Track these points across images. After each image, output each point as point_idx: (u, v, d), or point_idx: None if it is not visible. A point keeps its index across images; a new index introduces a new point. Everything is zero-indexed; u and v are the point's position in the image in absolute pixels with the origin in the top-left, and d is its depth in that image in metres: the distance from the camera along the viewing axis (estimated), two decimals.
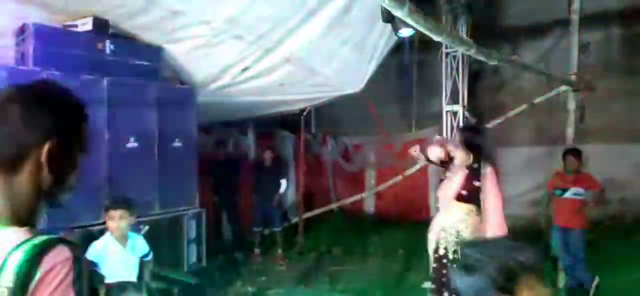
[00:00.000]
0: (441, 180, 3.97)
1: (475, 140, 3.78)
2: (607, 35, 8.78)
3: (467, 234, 3.66)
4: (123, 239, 3.41)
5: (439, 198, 3.94)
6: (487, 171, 3.71)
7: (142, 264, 3.50)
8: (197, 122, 5.78)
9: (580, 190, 5.57)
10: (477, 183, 3.68)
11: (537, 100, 6.17)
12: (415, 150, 4.15)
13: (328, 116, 10.37)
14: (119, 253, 3.35)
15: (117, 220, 3.34)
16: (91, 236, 3.64)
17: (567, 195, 5.61)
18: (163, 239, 5.45)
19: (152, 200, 5.33)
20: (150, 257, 3.62)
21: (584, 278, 5.60)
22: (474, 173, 3.71)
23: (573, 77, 5.66)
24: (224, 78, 5.68)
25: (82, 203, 4.26)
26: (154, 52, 5.33)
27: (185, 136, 5.65)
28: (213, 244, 7.17)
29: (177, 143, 5.58)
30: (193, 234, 5.86)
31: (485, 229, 3.69)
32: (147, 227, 5.26)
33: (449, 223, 3.74)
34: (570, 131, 5.81)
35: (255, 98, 6.22)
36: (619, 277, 5.93)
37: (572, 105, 5.83)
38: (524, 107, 6.27)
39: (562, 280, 5.88)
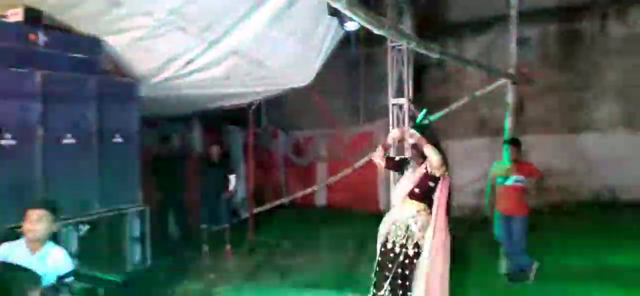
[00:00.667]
0: (398, 180, 4.15)
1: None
2: (545, 30, 9.18)
3: (416, 230, 3.81)
4: (36, 245, 3.01)
5: (394, 195, 4.09)
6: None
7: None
8: (139, 117, 5.59)
9: (521, 177, 5.80)
10: (431, 184, 3.84)
11: (478, 93, 6.37)
12: (376, 154, 4.19)
13: (278, 110, 10.33)
14: (23, 260, 2.93)
15: (34, 221, 2.97)
16: (18, 237, 3.40)
17: (509, 182, 5.83)
18: (104, 238, 5.28)
19: (91, 198, 5.14)
20: (70, 279, 3.01)
21: (525, 263, 5.83)
22: (430, 175, 3.84)
23: (511, 71, 5.87)
24: (168, 71, 5.53)
25: (13, 202, 4.04)
26: (93, 44, 5.11)
27: (127, 131, 5.46)
28: (159, 243, 6.99)
29: (118, 139, 5.39)
30: (136, 232, 5.69)
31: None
32: (87, 227, 5.08)
33: (401, 218, 3.87)
34: (509, 122, 6.03)
35: (201, 91, 6.08)
36: (557, 262, 6.25)
37: (511, 98, 6.05)
38: (465, 99, 6.46)
39: (503, 265, 6.10)
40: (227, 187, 7.46)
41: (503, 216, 5.88)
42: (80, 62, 4.98)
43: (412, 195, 3.88)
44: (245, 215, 8.71)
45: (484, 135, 9.06)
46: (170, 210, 7.80)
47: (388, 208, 6.79)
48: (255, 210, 8.68)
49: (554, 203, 8.59)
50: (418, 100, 7.52)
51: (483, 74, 6.87)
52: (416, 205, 3.86)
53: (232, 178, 7.50)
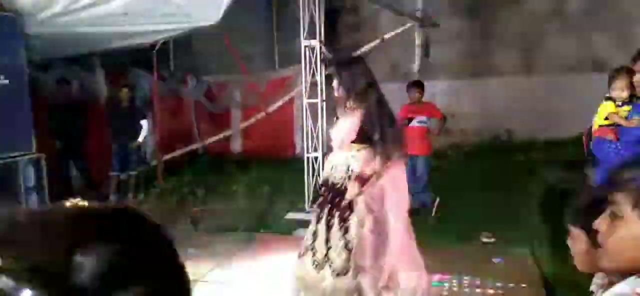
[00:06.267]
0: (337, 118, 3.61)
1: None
2: None
3: (356, 167, 3.38)
4: None
5: (333, 139, 3.60)
6: None
7: None
8: (27, 57, 5.11)
9: (423, 118, 6.09)
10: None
11: (387, 35, 6.48)
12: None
13: (188, 54, 9.91)
14: None
15: None
16: None
17: (413, 123, 6.09)
18: None
19: None
20: None
21: (427, 200, 6.18)
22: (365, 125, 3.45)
23: (418, 14, 6.00)
24: (56, 5, 5.04)
25: None
26: None
27: (12, 72, 4.99)
28: (61, 192, 6.60)
29: (3, 81, 4.91)
30: (31, 182, 5.33)
31: None
32: None
33: (340, 160, 3.46)
34: (415, 65, 6.21)
35: (98, 29, 5.63)
36: (458, 198, 6.69)
37: (417, 41, 6.21)
38: (376, 42, 6.56)
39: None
40: (138, 133, 7.21)
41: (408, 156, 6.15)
42: None
43: (352, 141, 3.39)
44: (154, 162, 8.41)
45: (395, 79, 9.30)
46: (71, 159, 7.36)
47: (302, 153, 6.91)
48: (166, 157, 8.41)
49: (457, 144, 9.10)
50: (332, 45, 7.52)
51: (396, 20, 7.00)
52: (355, 146, 3.39)
53: (144, 123, 7.26)
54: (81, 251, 0.55)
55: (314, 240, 3.52)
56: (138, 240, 0.64)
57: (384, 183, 3.38)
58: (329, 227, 3.44)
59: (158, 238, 0.68)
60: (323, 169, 3.79)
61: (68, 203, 0.64)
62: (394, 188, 3.42)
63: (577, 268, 1.60)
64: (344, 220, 3.40)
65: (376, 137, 3.29)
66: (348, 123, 3.40)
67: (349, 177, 3.39)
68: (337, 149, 3.51)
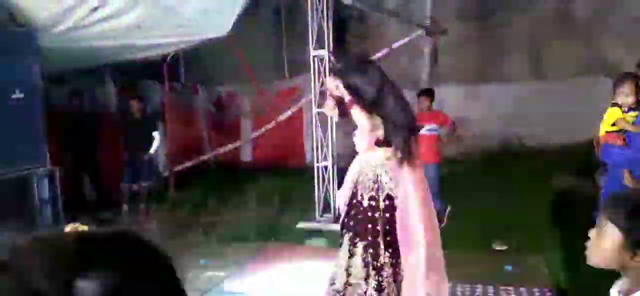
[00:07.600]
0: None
1: None
2: None
3: (387, 179, 3.12)
4: None
5: (356, 141, 3.31)
6: None
7: None
8: (41, 71, 5.20)
9: (433, 125, 6.08)
10: None
11: (396, 44, 6.50)
12: (328, 106, 3.36)
13: (199, 65, 10.00)
14: None
15: None
16: None
17: (423, 131, 6.07)
18: (9, 201, 4.97)
19: None
20: None
21: (438, 207, 6.15)
22: None
23: (426, 21, 6.02)
24: (71, 19, 5.13)
25: None
26: None
27: (27, 86, 5.07)
28: (75, 204, 6.68)
29: (17, 95, 5.00)
30: (46, 194, 5.40)
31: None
32: None
33: (368, 165, 3.18)
34: (424, 73, 6.22)
35: (111, 42, 5.72)
36: (469, 205, 6.66)
37: (426, 48, 6.22)
38: (384, 51, 6.58)
39: None
40: (150, 145, 7.28)
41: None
42: None
43: (377, 142, 3.14)
44: (166, 173, 8.48)
45: (404, 87, 9.28)
46: (84, 171, 7.44)
47: (312, 162, 6.93)
48: (177, 168, 8.48)
49: (467, 151, 9.06)
50: (341, 55, 7.54)
51: (404, 28, 7.03)
52: (384, 151, 3.12)
53: (157, 135, 7.32)
54: (82, 277, 0.54)
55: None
56: (138, 264, 0.63)
57: (408, 190, 3.08)
58: (351, 255, 3.14)
59: (157, 261, 0.67)
60: (341, 178, 3.46)
61: (68, 228, 0.65)
62: (422, 191, 3.15)
63: (590, 263, 1.56)
64: (375, 258, 3.06)
65: (398, 144, 3.03)
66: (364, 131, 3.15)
67: (376, 192, 3.08)
68: (362, 153, 3.21)
